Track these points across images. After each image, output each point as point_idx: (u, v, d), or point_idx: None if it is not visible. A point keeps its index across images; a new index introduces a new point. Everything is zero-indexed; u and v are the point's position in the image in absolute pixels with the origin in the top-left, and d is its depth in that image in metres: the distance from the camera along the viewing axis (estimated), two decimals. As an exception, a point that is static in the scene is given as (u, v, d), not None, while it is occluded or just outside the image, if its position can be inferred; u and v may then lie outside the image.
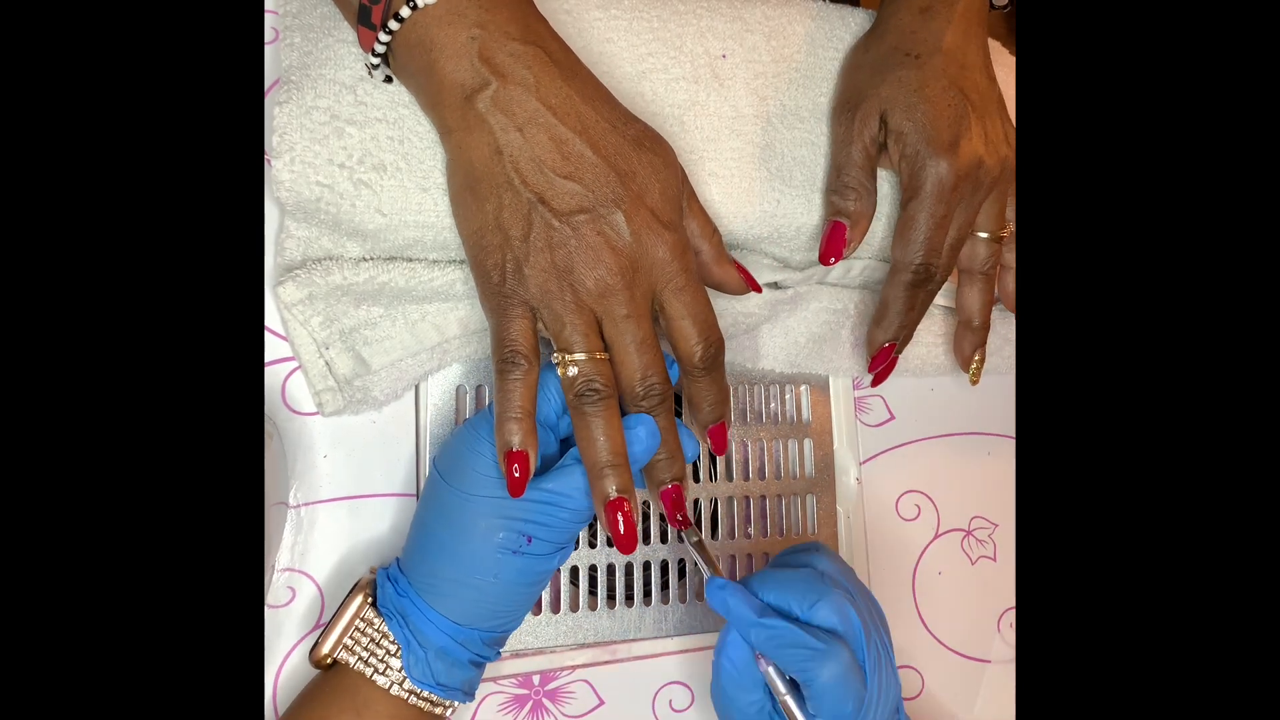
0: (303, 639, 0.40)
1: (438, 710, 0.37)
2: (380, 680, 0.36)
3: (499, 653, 0.39)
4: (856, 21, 0.48)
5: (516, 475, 0.35)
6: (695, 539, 0.40)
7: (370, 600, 0.37)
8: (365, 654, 0.36)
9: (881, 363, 0.46)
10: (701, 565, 0.39)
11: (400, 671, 0.36)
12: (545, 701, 0.44)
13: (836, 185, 0.44)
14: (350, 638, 0.37)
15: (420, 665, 0.36)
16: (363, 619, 0.37)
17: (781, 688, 0.37)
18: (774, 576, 0.39)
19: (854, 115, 0.44)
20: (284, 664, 0.40)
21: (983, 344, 0.48)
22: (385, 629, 0.36)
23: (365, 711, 0.36)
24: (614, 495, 0.36)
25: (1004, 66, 0.53)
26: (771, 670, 0.38)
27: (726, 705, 0.39)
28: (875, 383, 0.47)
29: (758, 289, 0.42)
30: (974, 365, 0.49)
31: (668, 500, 0.39)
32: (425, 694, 0.36)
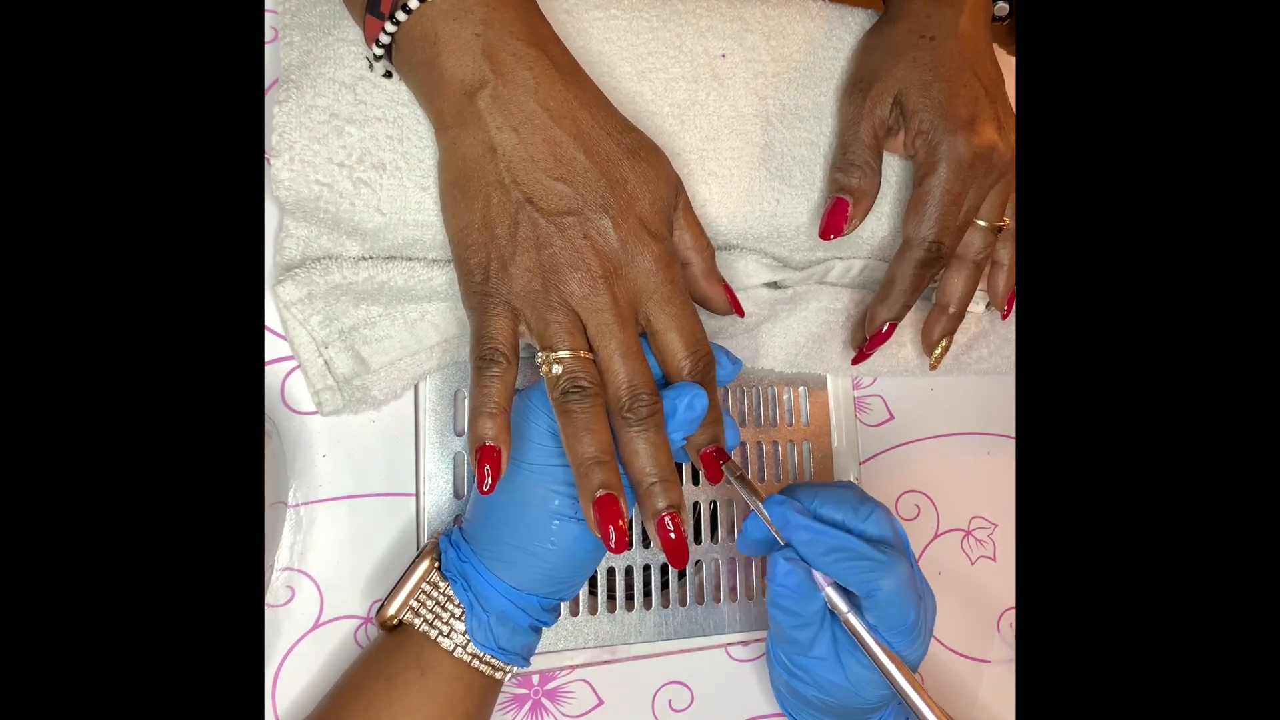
0: (302, 638, 0.40)
1: (497, 675, 0.38)
2: (445, 643, 0.36)
3: (556, 618, 0.40)
4: (856, 21, 0.48)
5: (488, 472, 0.34)
6: (738, 473, 0.38)
7: (436, 565, 0.38)
8: (430, 616, 0.37)
9: (879, 343, 0.46)
10: (747, 496, 0.38)
11: (464, 635, 0.36)
12: (544, 701, 0.44)
13: (842, 163, 0.44)
14: (416, 600, 0.37)
15: (483, 629, 0.36)
16: (428, 582, 0.37)
17: (844, 605, 0.38)
18: (821, 492, 0.40)
19: (866, 95, 0.44)
20: (284, 663, 0.40)
21: (953, 332, 0.47)
22: (450, 593, 0.37)
23: (429, 672, 0.36)
24: (600, 491, 0.34)
25: (1006, 68, 0.53)
26: (831, 590, 0.38)
27: (787, 631, 0.39)
28: (857, 360, 0.48)
29: (741, 313, 0.41)
30: (937, 351, 0.48)
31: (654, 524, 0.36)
32: (486, 657, 0.37)
